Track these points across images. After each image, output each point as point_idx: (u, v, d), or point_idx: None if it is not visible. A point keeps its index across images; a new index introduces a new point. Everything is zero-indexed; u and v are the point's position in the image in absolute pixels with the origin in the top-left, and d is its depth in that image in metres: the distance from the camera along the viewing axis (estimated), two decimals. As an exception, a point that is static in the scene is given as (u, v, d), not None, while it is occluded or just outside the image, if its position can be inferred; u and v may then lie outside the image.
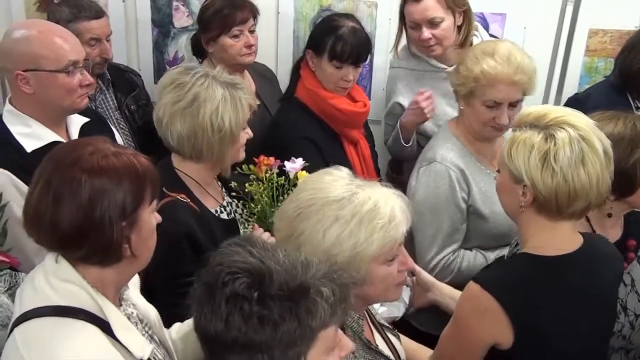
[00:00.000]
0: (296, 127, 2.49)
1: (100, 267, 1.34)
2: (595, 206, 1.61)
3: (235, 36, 2.63)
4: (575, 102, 2.61)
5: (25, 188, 1.84)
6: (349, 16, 2.55)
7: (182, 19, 3.15)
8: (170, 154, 2.72)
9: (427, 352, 1.82)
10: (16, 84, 1.92)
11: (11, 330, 1.33)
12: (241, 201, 2.14)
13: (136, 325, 1.44)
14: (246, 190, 2.07)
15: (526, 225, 1.62)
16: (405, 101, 2.67)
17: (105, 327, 1.31)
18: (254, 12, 2.69)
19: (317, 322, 1.15)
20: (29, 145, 1.96)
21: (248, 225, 2.09)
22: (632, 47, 2.65)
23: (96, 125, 2.21)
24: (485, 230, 2.22)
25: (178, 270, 1.74)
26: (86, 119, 2.16)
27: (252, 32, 2.67)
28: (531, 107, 1.65)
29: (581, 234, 1.66)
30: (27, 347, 1.27)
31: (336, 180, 1.48)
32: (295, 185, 2.03)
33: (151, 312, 1.55)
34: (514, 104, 2.12)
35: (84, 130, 2.12)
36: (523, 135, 1.55)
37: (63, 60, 1.93)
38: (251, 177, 2.09)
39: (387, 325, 1.77)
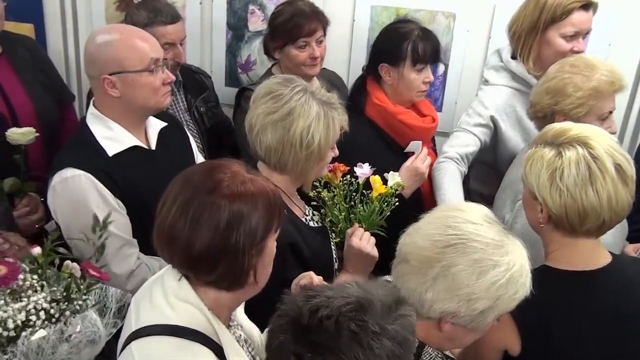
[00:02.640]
0: (360, 145, 2.36)
1: (219, 291, 1.35)
2: (614, 224, 1.59)
3: (301, 47, 2.61)
4: None
5: (106, 192, 1.91)
6: (409, 20, 2.52)
7: (257, 23, 3.15)
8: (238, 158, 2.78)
9: None
10: (102, 88, 1.94)
11: (127, 343, 1.35)
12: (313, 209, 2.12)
13: (243, 348, 1.45)
14: (320, 195, 2.04)
15: (548, 240, 1.65)
16: (503, 122, 2.52)
17: (218, 351, 1.33)
18: (323, 23, 2.65)
19: None
20: (111, 148, 1.98)
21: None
22: None
23: (173, 130, 2.23)
24: None
25: (282, 280, 1.71)
26: (164, 124, 2.17)
27: (319, 42, 2.64)
28: (555, 123, 1.66)
29: (611, 254, 1.65)
30: None
31: (491, 223, 1.42)
32: (364, 190, 2.03)
33: (255, 332, 1.56)
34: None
35: (162, 134, 2.14)
36: (539, 152, 1.59)
37: (145, 60, 1.95)
38: (320, 183, 2.07)
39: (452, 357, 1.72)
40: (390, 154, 2.49)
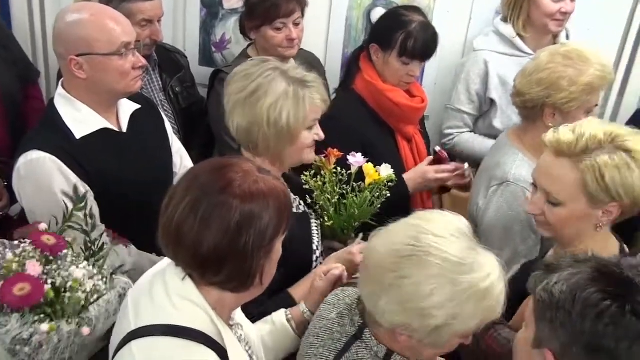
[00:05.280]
0: (350, 120, 2.44)
1: (223, 291, 1.32)
2: None
3: (278, 28, 2.56)
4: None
5: (71, 175, 1.86)
6: (417, 10, 2.47)
7: (232, 0, 3.06)
8: (213, 140, 2.72)
9: None
10: (70, 69, 1.87)
11: (125, 342, 1.31)
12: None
13: (244, 348, 1.43)
14: (305, 182, 2.01)
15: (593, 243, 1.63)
16: (493, 87, 2.70)
17: (221, 353, 1.30)
18: (302, 4, 2.61)
19: None
20: (79, 131, 1.92)
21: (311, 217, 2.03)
22: None
23: (147, 112, 2.16)
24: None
25: None
26: (137, 106, 2.11)
27: (297, 24, 2.60)
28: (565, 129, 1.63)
29: None
30: None
31: (459, 238, 1.35)
32: (358, 179, 2.00)
33: (252, 331, 1.54)
34: None
35: (135, 117, 2.08)
36: (606, 160, 1.56)
37: (116, 43, 1.88)
38: (308, 172, 2.03)
39: None
40: (378, 132, 2.49)
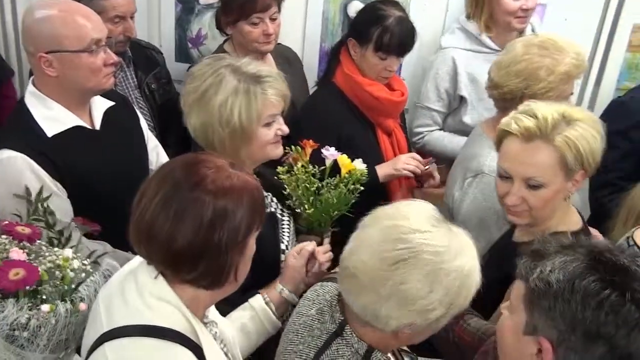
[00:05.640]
0: (328, 113, 2.44)
1: (197, 289, 1.30)
2: None
3: (254, 23, 2.54)
4: (619, 107, 2.52)
5: (43, 174, 1.84)
6: (395, 4, 2.47)
7: (208, -5, 3.03)
8: (189, 138, 2.69)
9: None
10: (40, 66, 1.84)
11: (98, 344, 1.28)
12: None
13: (219, 345, 1.42)
14: (279, 177, 1.98)
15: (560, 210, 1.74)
16: (463, 84, 2.72)
17: (197, 351, 1.28)
18: None
19: None
20: (51, 129, 1.88)
21: (284, 217, 2.01)
22: None
23: (121, 109, 2.13)
24: None
25: None
26: (111, 103, 2.08)
27: (273, 19, 2.57)
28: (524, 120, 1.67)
29: None
30: None
31: (438, 225, 1.35)
32: (334, 174, 1.98)
33: (227, 329, 1.52)
34: None
35: (108, 114, 2.04)
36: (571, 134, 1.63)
37: (85, 40, 1.84)
38: (281, 167, 2.00)
39: (405, 349, 1.69)
40: (357, 126, 2.49)
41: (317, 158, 2.01)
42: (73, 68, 1.85)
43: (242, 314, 1.72)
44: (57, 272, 1.47)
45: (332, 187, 1.96)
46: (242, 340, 1.69)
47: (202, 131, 1.78)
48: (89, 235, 1.90)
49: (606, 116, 2.52)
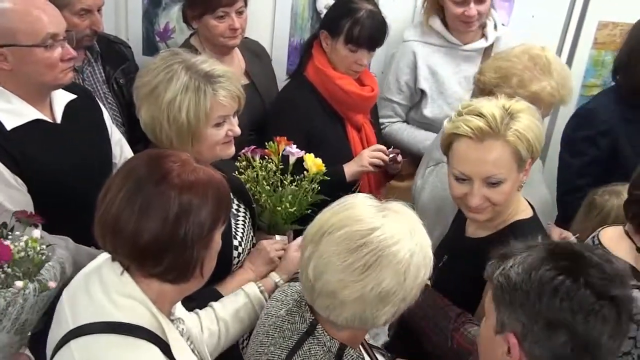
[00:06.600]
0: (297, 107, 2.45)
1: (162, 283, 1.30)
2: None
3: (220, 17, 2.51)
4: (585, 115, 2.52)
5: (1, 167, 1.81)
6: None
7: (175, -13, 3.00)
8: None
9: None
10: (-5, 60, 1.81)
11: (64, 342, 1.27)
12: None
13: (186, 342, 1.42)
14: (241, 173, 1.98)
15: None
16: (422, 77, 2.73)
17: (164, 347, 1.28)
18: None
19: None
20: (9, 122, 1.85)
21: (239, 213, 1.99)
22: (627, 61, 2.45)
23: (83, 103, 2.10)
24: None
25: None
26: (72, 96, 2.05)
27: (240, 13, 2.55)
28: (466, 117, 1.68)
29: None
30: None
31: (381, 211, 1.37)
32: (296, 172, 1.99)
33: (194, 326, 1.52)
34: None
35: (70, 108, 2.02)
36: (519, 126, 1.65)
37: (41, 34, 1.81)
38: (240, 164, 2.01)
39: (377, 346, 1.71)
40: (326, 120, 2.50)
41: (283, 156, 2.03)
42: (27, 63, 1.82)
43: (235, 300, 1.76)
44: (29, 252, 1.50)
45: (295, 185, 1.97)
46: (235, 325, 1.73)
47: (151, 126, 1.76)
48: (50, 230, 1.89)
49: (574, 123, 2.56)
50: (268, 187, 1.97)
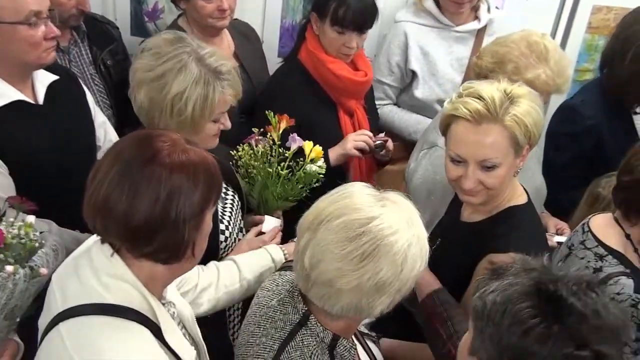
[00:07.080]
0: (289, 91, 2.42)
1: (154, 264, 1.28)
2: None
3: None
4: (570, 111, 2.48)
5: None
6: None
7: (164, -33, 2.96)
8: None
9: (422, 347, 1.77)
10: (-25, 38, 1.77)
11: (53, 325, 1.26)
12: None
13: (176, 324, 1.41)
14: (237, 162, 1.99)
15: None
16: (414, 58, 2.71)
17: (155, 330, 1.27)
18: None
19: None
20: None
21: (227, 195, 1.98)
22: (612, 58, 2.42)
23: (66, 84, 2.07)
24: None
25: None
26: (55, 77, 2.02)
27: None
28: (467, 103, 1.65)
29: None
30: (76, 348, 1.22)
31: (379, 200, 1.36)
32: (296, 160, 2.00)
33: (186, 309, 1.51)
34: None
35: (52, 88, 1.99)
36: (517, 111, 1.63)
37: (23, 11, 1.78)
38: (240, 151, 2.01)
39: (367, 332, 1.70)
40: (318, 104, 2.47)
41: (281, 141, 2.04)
42: (10, 41, 1.79)
43: (260, 264, 1.84)
44: (22, 239, 1.50)
45: (298, 169, 2.00)
46: (255, 286, 1.78)
47: (149, 111, 1.74)
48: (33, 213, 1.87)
49: (557, 119, 2.53)
50: (264, 161, 1.98)
